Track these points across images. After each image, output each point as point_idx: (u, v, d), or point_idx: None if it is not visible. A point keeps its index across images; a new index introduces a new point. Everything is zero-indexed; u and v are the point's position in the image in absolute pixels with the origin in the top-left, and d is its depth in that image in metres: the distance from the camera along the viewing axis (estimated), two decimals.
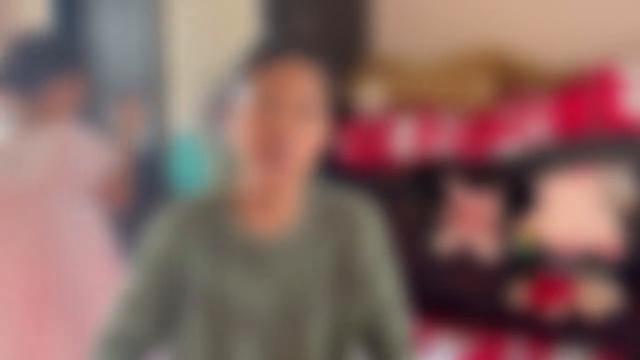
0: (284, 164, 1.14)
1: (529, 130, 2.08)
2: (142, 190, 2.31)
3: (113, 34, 3.43)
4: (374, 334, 1.29)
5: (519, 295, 2.17)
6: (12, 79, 1.99)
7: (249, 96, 1.16)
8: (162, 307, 1.24)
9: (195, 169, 3.00)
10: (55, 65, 2.00)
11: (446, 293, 2.32)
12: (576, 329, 2.06)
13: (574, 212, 2.06)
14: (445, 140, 2.24)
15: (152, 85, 3.29)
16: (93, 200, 2.05)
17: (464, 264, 2.28)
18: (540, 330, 2.13)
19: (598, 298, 2.03)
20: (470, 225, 2.27)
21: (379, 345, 1.29)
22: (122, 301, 1.26)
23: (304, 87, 1.16)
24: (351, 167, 2.45)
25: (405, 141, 2.32)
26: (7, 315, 1.96)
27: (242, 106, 1.17)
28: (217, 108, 2.74)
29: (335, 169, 2.37)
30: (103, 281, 2.04)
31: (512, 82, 2.25)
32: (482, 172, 2.28)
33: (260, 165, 1.15)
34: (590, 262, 2.05)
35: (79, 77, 2.06)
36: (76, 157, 1.97)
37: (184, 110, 3.18)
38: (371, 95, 2.45)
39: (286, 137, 1.13)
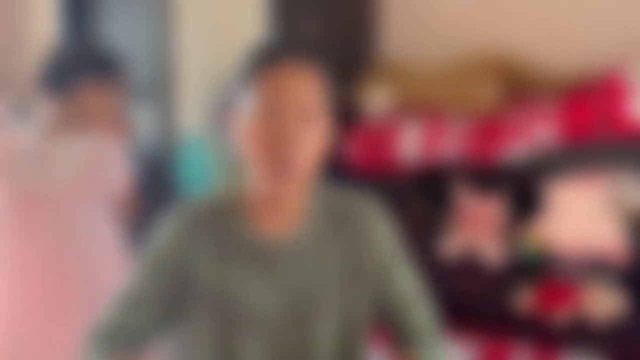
0: (288, 169, 1.14)
1: (535, 135, 2.08)
2: (150, 192, 2.32)
3: (120, 37, 3.45)
4: (399, 325, 1.28)
5: (525, 299, 2.16)
6: (45, 81, 2.01)
7: (252, 100, 1.15)
8: (163, 304, 1.24)
9: (202, 170, 3.01)
10: (86, 69, 2.01)
11: (451, 297, 2.31)
12: (581, 334, 2.06)
13: (580, 217, 2.06)
14: (451, 143, 2.24)
15: (160, 87, 3.30)
16: (108, 207, 2.06)
17: (469, 268, 2.28)
18: (545, 334, 2.12)
19: (603, 303, 2.03)
20: (476, 229, 2.27)
21: (404, 335, 1.29)
22: (121, 295, 1.27)
23: (306, 90, 1.15)
24: (357, 170, 2.45)
25: (411, 145, 2.32)
26: (23, 309, 1.98)
27: (245, 110, 1.17)
28: (222, 110, 2.75)
29: (341, 172, 2.37)
30: (117, 285, 2.06)
31: (518, 86, 2.25)
32: (488, 176, 2.28)
33: (265, 170, 1.16)
34: (596, 267, 2.05)
35: (112, 84, 2.06)
36: (105, 167, 1.99)
37: (191, 112, 3.19)
38: (377, 99, 2.46)
39: (290, 141, 1.13)
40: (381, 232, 1.26)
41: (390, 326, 1.29)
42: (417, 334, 1.29)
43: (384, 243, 1.26)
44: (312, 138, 1.15)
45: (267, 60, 1.16)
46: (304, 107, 1.15)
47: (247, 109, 1.16)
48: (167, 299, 1.24)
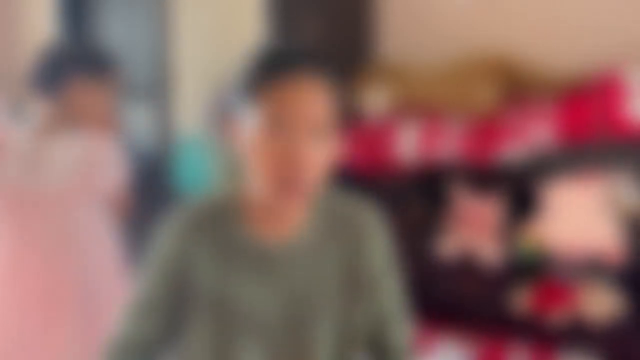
0: (297, 189, 1.11)
1: (532, 136, 2.08)
2: (147, 191, 2.32)
3: (119, 37, 3.45)
4: (376, 341, 1.28)
5: (522, 300, 2.17)
6: (36, 80, 2.00)
7: (259, 112, 1.10)
8: (170, 311, 1.24)
9: (199, 170, 3.01)
10: (76, 67, 1.99)
11: (449, 297, 2.32)
12: (579, 335, 2.06)
13: (577, 218, 2.06)
14: (449, 144, 2.24)
15: (158, 88, 3.30)
16: (103, 206, 2.06)
17: (467, 269, 2.28)
18: (542, 335, 2.13)
19: (601, 304, 2.03)
20: (474, 230, 2.27)
21: (380, 353, 1.29)
22: (132, 306, 1.26)
23: (317, 104, 1.10)
24: (355, 171, 2.46)
25: (409, 145, 2.32)
26: (20, 311, 1.98)
27: (251, 122, 1.11)
28: (222, 113, 2.75)
29: (339, 173, 2.37)
30: (113, 285, 2.05)
31: (516, 87, 2.26)
32: (485, 176, 2.28)
33: (271, 186, 1.11)
34: (594, 268, 2.05)
35: (103, 82, 2.05)
36: (99, 167, 1.98)
37: (189, 112, 3.20)
38: (376, 100, 2.46)
39: (299, 160, 1.08)
40: (377, 243, 1.26)
41: (368, 341, 1.27)
42: (394, 351, 1.28)
43: (377, 255, 1.25)
44: (321, 155, 1.11)
45: (275, 70, 1.10)
46: (315, 123, 1.10)
47: (254, 121, 1.10)
48: (173, 304, 1.23)
